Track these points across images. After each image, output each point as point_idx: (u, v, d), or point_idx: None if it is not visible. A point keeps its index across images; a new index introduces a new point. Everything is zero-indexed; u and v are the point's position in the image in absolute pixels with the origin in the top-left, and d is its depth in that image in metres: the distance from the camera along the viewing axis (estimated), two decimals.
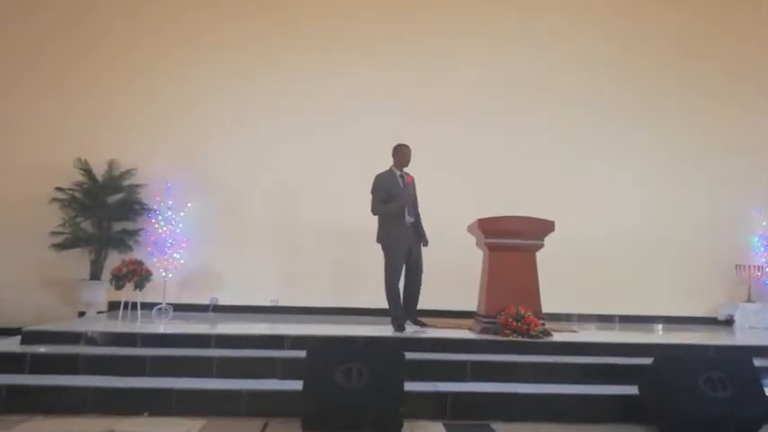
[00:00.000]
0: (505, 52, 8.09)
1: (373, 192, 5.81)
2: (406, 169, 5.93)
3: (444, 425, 3.97)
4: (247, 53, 7.93)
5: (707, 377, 3.94)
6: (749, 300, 7.61)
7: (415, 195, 5.94)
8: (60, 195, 7.32)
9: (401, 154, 5.85)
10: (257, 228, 7.67)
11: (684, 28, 8.39)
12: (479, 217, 5.84)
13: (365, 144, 7.75)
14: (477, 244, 6.17)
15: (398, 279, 5.77)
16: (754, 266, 7.72)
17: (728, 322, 7.60)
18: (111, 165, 7.50)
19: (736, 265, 7.73)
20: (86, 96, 7.74)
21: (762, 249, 7.98)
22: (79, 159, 7.38)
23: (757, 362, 4.33)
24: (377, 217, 5.84)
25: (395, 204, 5.69)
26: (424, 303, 7.22)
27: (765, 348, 5.39)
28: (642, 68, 8.25)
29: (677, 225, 7.96)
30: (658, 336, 6.57)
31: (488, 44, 8.09)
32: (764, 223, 8.04)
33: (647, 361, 4.24)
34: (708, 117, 8.23)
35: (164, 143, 7.71)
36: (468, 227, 6.10)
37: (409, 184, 5.83)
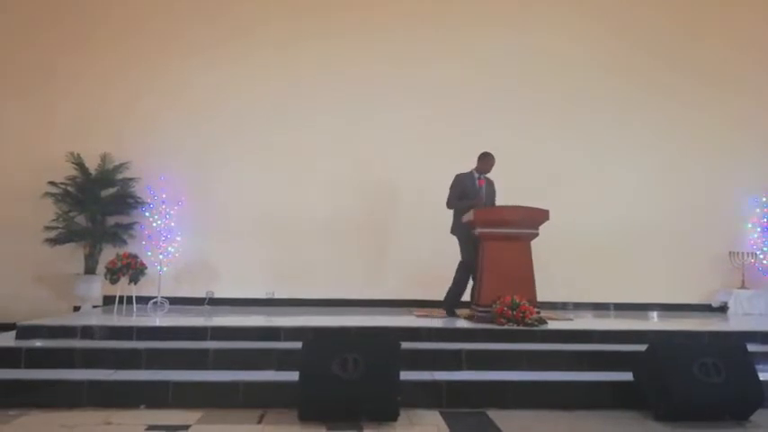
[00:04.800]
0: (504, 48, 8.07)
1: (452, 188, 6.28)
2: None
3: (441, 413, 3.98)
4: (241, 47, 7.86)
5: (701, 363, 3.96)
6: (743, 286, 7.64)
7: (492, 197, 6.38)
8: (53, 190, 7.27)
9: (486, 161, 6.30)
10: (253, 220, 7.63)
11: (681, 17, 8.38)
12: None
13: (362, 138, 7.77)
14: (472, 234, 6.17)
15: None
16: (748, 253, 7.75)
17: (722, 309, 7.63)
18: (104, 158, 7.46)
19: (730, 252, 7.76)
20: (79, 90, 7.68)
21: (755, 236, 8.03)
22: (72, 153, 7.34)
23: (751, 347, 4.36)
24: (452, 210, 6.30)
25: (469, 202, 6.10)
26: (421, 294, 7.30)
27: (759, 334, 5.43)
28: (636, 57, 8.23)
29: (672, 213, 7.98)
30: (653, 323, 6.60)
31: (486, 41, 8.08)
32: (758, 210, 8.08)
33: (642, 348, 4.27)
34: (701, 105, 8.22)
35: (157, 136, 7.67)
36: (464, 217, 6.11)
37: (482, 187, 6.28)
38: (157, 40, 7.84)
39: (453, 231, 6.30)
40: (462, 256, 6.22)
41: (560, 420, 3.94)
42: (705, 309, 7.79)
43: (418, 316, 6.14)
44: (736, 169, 8.17)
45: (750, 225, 8.07)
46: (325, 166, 7.77)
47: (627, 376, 4.25)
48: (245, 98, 7.81)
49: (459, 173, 6.36)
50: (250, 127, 7.80)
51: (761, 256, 7.89)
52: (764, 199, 8.06)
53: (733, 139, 8.20)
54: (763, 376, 4.14)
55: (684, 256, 7.91)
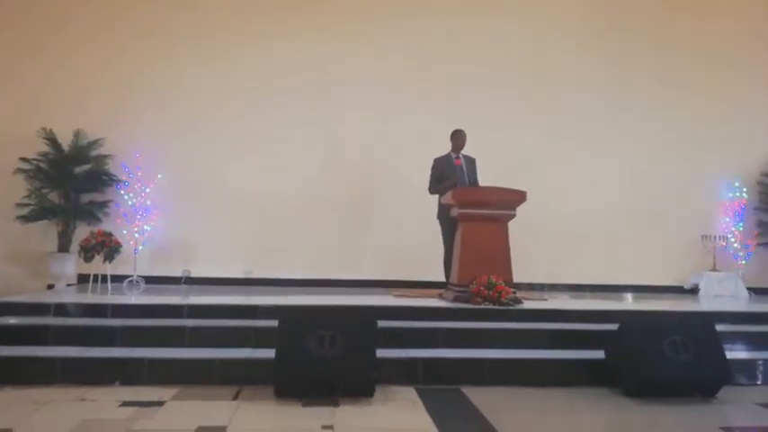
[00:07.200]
0: (488, 32, 8.07)
1: (431, 173, 6.33)
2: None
3: (416, 389, 4.02)
4: (219, 31, 7.75)
5: (670, 341, 4.04)
6: (714, 269, 7.80)
7: (473, 174, 6.35)
8: (25, 166, 7.14)
9: (458, 138, 6.36)
10: (230, 199, 7.59)
11: (668, 6, 8.44)
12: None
13: (340, 120, 7.74)
14: (450, 214, 6.20)
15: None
16: (719, 237, 7.91)
17: (694, 291, 7.78)
18: (77, 134, 7.32)
19: (702, 236, 7.91)
20: (51, 65, 7.53)
21: (727, 220, 8.19)
22: (44, 129, 7.18)
23: (719, 327, 4.46)
24: (437, 196, 6.28)
25: (446, 184, 6.10)
26: (399, 275, 7.34)
27: (726, 314, 5.58)
28: (612, 41, 8.27)
29: (645, 197, 8.11)
30: (625, 303, 6.72)
31: (468, 25, 8.06)
32: (730, 194, 8.24)
33: (614, 327, 4.34)
34: (676, 89, 8.32)
35: (132, 113, 7.55)
36: (442, 198, 6.13)
37: (458, 166, 6.26)
38: (133, 16, 7.70)
39: (438, 216, 6.32)
40: (444, 242, 6.25)
41: (533, 396, 4.01)
42: (677, 291, 7.95)
43: (396, 296, 6.17)
44: (709, 154, 8.30)
45: (722, 209, 8.23)
46: (303, 145, 7.74)
47: (599, 354, 4.33)
48: (222, 78, 7.73)
49: (436, 157, 6.37)
50: (227, 106, 7.72)
51: (732, 240, 8.07)
52: (736, 183, 8.22)
53: (705, 124, 8.32)
54: (729, 355, 4.25)
55: (657, 240, 8.06)
